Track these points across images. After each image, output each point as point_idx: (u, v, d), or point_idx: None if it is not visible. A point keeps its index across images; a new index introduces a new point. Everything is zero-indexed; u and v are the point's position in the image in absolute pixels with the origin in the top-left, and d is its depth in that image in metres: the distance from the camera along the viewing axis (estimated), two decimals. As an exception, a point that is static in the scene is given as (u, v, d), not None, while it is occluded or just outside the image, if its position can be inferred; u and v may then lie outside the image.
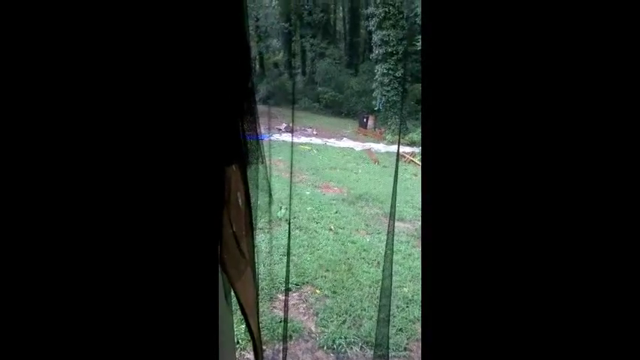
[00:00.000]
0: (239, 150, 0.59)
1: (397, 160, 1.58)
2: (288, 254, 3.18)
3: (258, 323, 0.75)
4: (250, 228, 0.65)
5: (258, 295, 0.79)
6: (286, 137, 9.93)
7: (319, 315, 2.57)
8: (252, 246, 0.66)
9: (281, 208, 4.29)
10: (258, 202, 0.68)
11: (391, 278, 1.64)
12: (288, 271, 2.54)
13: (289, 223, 4.03)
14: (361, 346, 2.30)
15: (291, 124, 11.40)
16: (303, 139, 9.94)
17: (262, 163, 0.66)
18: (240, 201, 0.62)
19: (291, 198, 4.69)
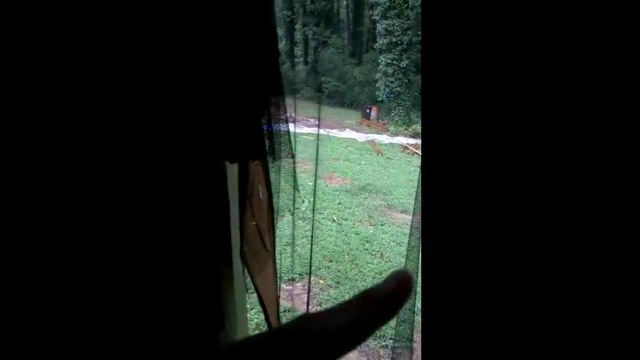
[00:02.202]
0: (263, 144, 0.58)
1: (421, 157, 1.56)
2: (293, 244, 3.19)
3: (278, 317, 0.75)
4: (272, 221, 0.65)
5: (279, 289, 0.79)
6: (289, 127, 9.87)
7: (323, 305, 2.60)
8: (273, 240, 0.66)
9: (304, 201, 4.29)
10: (283, 195, 0.68)
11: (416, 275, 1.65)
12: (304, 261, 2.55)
13: (293, 215, 4.04)
14: (365, 337, 2.33)
15: (293, 114, 11.33)
16: (306, 129, 9.91)
17: (293, 157, 0.65)
18: (261, 194, 0.62)
19: (315, 191, 4.69)
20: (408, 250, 1.53)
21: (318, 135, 9.25)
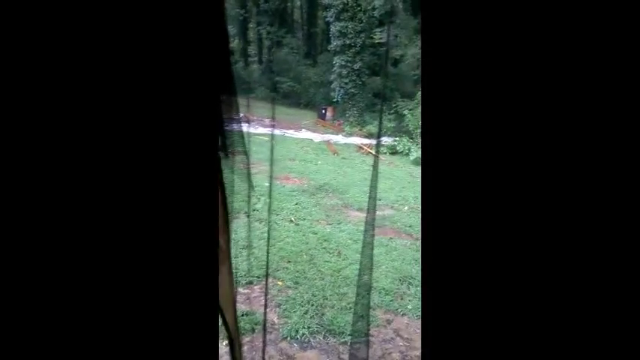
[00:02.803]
0: (217, 141, 0.57)
1: (376, 158, 1.60)
2: (271, 245, 3.13)
3: (235, 317, 0.74)
4: (226, 221, 0.63)
5: (234, 289, 0.77)
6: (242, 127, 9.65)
7: (282, 306, 2.58)
8: (228, 240, 0.64)
9: (259, 199, 4.20)
10: (238, 196, 0.66)
11: (371, 274, 1.68)
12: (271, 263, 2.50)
13: (248, 216, 3.96)
14: (324, 335, 2.35)
15: (247, 114, 11.10)
16: (261, 130, 9.77)
17: (246, 154, 0.64)
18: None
19: (271, 191, 4.60)
20: (363, 246, 1.57)
21: (272, 135, 9.16)
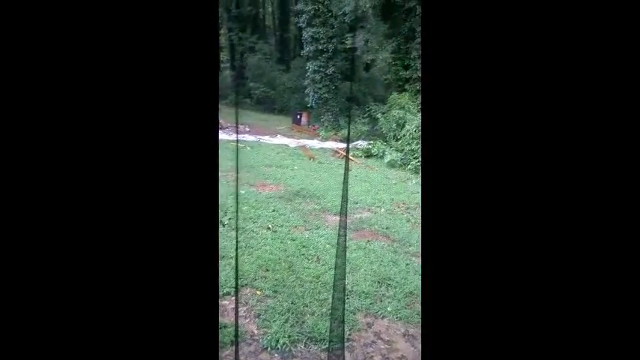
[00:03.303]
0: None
1: (347, 160, 1.60)
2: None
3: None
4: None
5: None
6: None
7: (261, 316, 2.52)
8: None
9: (225, 214, 4.09)
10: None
11: (344, 278, 1.66)
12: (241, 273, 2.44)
13: (224, 226, 3.88)
14: (305, 343, 2.31)
15: (221, 120, 10.96)
16: (235, 137, 9.63)
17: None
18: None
19: (237, 202, 4.51)
20: (337, 249, 1.55)
21: (237, 141, 9.07)
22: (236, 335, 2.22)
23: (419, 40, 10.40)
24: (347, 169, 1.47)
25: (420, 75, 10.52)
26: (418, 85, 10.65)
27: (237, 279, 2.75)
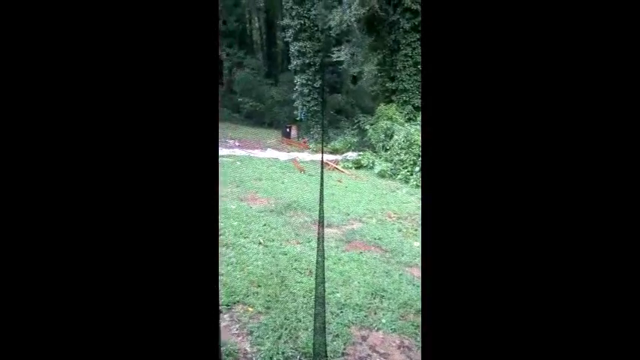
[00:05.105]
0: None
1: (322, 169, 1.61)
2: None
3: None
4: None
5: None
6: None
7: (254, 333, 2.48)
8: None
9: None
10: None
11: (324, 285, 1.65)
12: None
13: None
14: (299, 359, 2.27)
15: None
16: (225, 151, 9.61)
17: None
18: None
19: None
20: (317, 256, 1.54)
21: (221, 154, 9.03)
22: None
23: (404, 52, 10.61)
24: (322, 182, 1.47)
25: (405, 86, 10.69)
26: (404, 96, 10.83)
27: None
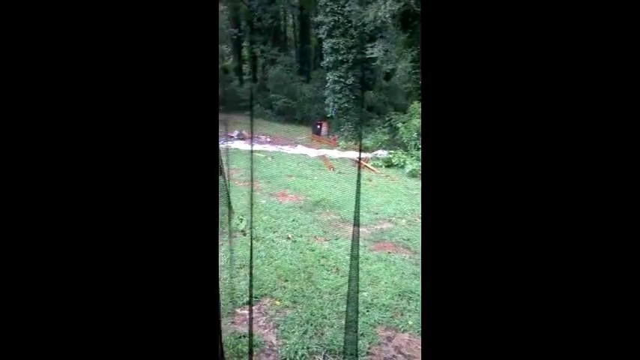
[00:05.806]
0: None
1: (359, 167, 1.60)
2: (251, 267, 3.09)
3: (220, 340, 0.71)
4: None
5: (219, 311, 0.75)
6: (239, 144, 9.70)
7: (280, 327, 2.52)
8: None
9: (242, 220, 4.16)
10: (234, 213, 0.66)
11: (357, 284, 1.65)
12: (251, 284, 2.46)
13: (230, 235, 3.93)
14: (324, 355, 2.29)
15: (244, 131, 11.18)
16: (257, 147, 9.80)
17: (221, 174, 0.64)
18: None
19: (252, 209, 4.58)
20: (351, 259, 1.54)
21: (251, 151, 9.19)
22: (250, 345, 2.23)
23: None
24: (359, 180, 1.47)
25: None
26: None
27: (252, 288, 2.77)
